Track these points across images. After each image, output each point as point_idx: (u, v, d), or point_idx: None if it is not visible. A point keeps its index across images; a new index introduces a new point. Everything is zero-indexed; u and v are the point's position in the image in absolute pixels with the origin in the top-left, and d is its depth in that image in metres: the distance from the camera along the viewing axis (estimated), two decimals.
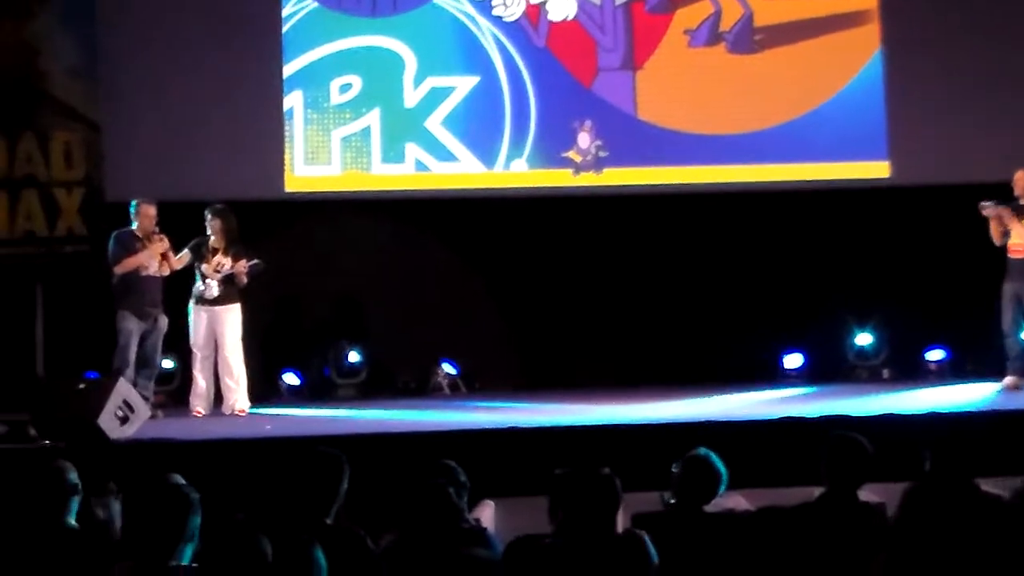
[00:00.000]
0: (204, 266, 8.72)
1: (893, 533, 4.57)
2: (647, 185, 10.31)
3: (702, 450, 4.83)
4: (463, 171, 10.34)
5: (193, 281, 8.80)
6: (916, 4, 10.35)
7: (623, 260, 10.42)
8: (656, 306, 10.34)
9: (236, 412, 8.67)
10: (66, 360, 9.31)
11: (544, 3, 10.40)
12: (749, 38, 10.47)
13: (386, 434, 7.18)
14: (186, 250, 8.78)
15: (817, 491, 4.80)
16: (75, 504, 4.79)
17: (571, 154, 10.35)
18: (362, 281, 10.34)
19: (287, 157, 10.23)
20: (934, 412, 7.54)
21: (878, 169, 10.29)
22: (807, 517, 4.64)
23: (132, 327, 8.53)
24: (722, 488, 4.77)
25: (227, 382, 8.72)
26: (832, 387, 9.37)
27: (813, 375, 10.00)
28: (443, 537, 4.35)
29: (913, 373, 9.89)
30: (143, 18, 10.10)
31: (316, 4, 10.32)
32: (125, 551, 4.18)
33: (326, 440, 6.26)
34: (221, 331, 8.71)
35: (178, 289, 8.84)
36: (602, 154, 10.32)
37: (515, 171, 10.36)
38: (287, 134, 10.22)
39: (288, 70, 10.26)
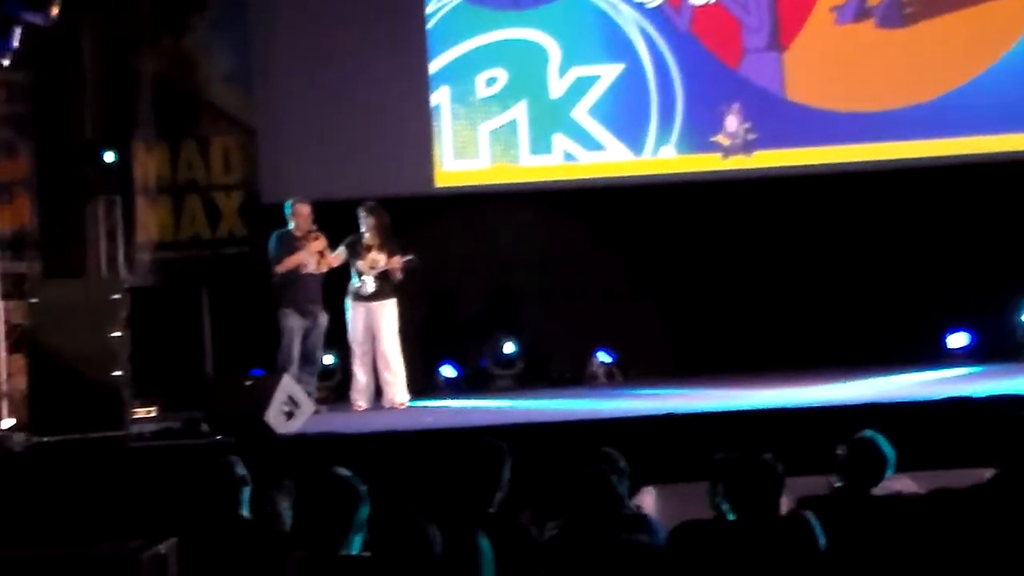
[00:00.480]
0: (359, 263, 8.87)
1: None
2: (798, 166, 10.14)
3: (868, 432, 4.74)
4: (611, 160, 10.32)
5: (350, 278, 8.97)
6: None
7: (775, 243, 10.27)
8: (813, 288, 10.16)
9: (396, 405, 8.81)
10: (233, 359, 9.59)
11: None
12: (899, 12, 10.20)
13: (545, 424, 7.21)
14: (341, 248, 8.95)
15: (988, 473, 4.67)
16: (246, 496, 4.94)
17: (719, 138, 10.24)
18: (515, 273, 10.41)
19: (436, 153, 10.35)
20: None
21: None
22: (979, 499, 4.51)
23: (294, 325, 8.75)
24: (889, 471, 4.67)
25: (386, 376, 8.86)
26: (999, 366, 9.08)
27: (979, 354, 9.71)
28: (606, 524, 4.36)
29: None
30: (291, 23, 10.35)
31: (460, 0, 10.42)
32: (297, 542, 4.30)
33: (486, 431, 6.32)
34: (378, 326, 8.85)
35: (337, 286, 9.03)
36: (751, 136, 10.19)
37: (663, 157, 10.29)
38: (435, 130, 10.35)
39: (434, 66, 10.38)
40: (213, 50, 10.53)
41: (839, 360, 9.47)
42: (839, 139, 10.12)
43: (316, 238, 8.85)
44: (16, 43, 8.10)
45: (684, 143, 10.27)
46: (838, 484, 4.71)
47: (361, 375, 8.89)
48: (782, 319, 10.14)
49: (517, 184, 10.36)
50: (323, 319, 8.88)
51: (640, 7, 10.31)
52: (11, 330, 8.40)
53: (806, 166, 10.11)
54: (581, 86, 10.32)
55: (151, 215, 10.44)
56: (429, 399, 9.36)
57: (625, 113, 10.32)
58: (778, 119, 10.18)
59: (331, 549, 4.01)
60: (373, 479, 4.25)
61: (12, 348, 8.38)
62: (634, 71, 10.29)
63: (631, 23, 10.30)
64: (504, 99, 10.38)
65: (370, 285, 8.85)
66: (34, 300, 7.77)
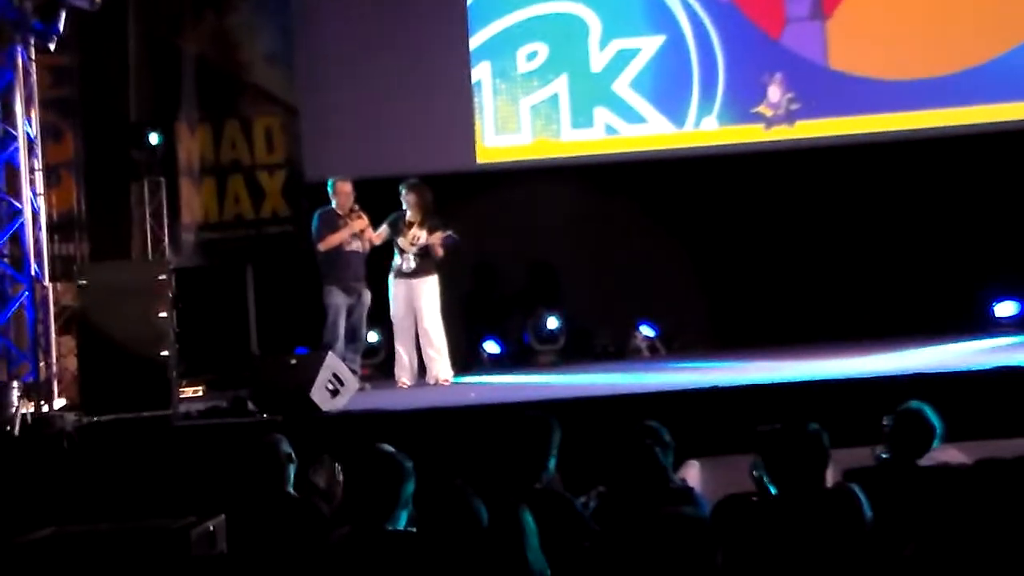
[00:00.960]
0: (401, 240, 8.89)
1: None
2: (841, 135, 10.05)
3: (915, 403, 4.71)
4: (653, 132, 10.28)
5: (392, 255, 8.99)
6: None
7: (818, 213, 10.20)
8: (858, 258, 10.09)
9: (440, 382, 8.83)
10: (278, 337, 9.67)
11: None
12: None
13: (589, 398, 7.21)
14: (384, 225, 8.97)
15: None
16: (292, 473, 4.99)
17: (761, 108, 10.17)
18: (557, 247, 10.41)
19: (477, 128, 10.35)
20: None
21: None
22: None
23: (339, 302, 8.79)
24: (936, 441, 4.65)
25: (429, 353, 8.88)
26: None
27: None
28: (651, 497, 4.36)
29: None
30: (333, 3, 10.37)
31: None
32: (343, 517, 4.34)
33: (530, 406, 6.34)
34: (419, 303, 8.86)
35: (380, 264, 9.06)
36: (794, 106, 10.11)
37: (705, 129, 10.24)
38: (476, 106, 10.34)
39: (474, 42, 10.37)
40: (255, 30, 10.57)
41: (885, 331, 9.40)
42: (883, 107, 10.02)
43: (358, 216, 8.88)
44: (61, 28, 8.17)
45: (726, 114, 10.20)
46: (884, 455, 4.69)
47: (404, 352, 8.92)
48: (827, 290, 10.08)
49: (558, 159, 10.34)
50: (367, 297, 8.92)
51: None
52: (61, 311, 8.50)
53: (849, 135, 10.03)
54: (622, 59, 10.27)
55: (195, 196, 10.52)
56: (473, 375, 9.38)
57: (666, 85, 10.27)
58: (821, 88, 10.10)
59: (376, 525, 4.04)
60: (418, 455, 4.28)
61: (62, 329, 8.48)
62: (675, 43, 10.23)
63: None
64: (545, 73, 10.36)
65: (411, 262, 8.86)
66: (82, 282, 7.85)
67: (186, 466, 6.79)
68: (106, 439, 7.16)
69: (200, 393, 9.13)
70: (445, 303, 9.02)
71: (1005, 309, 9.78)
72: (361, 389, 8.23)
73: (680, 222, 10.33)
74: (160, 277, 7.76)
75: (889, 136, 10.00)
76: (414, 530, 4.02)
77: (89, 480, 6.75)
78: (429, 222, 8.90)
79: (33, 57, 8.24)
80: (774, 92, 10.15)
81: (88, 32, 9.46)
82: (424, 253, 8.87)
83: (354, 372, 8.34)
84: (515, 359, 10.15)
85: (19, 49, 8.11)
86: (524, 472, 4.53)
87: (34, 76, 8.27)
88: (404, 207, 8.94)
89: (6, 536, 5.03)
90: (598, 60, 10.32)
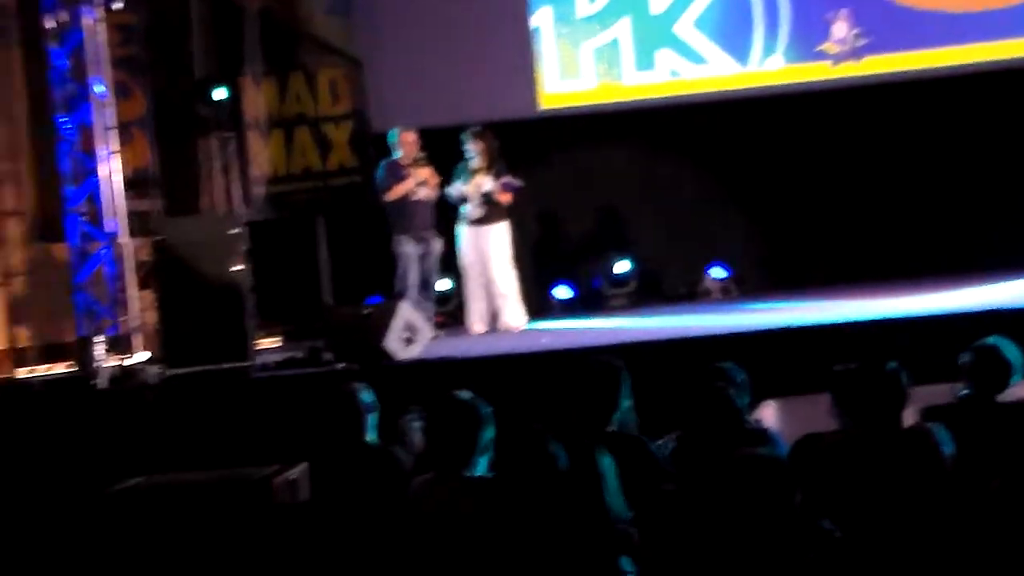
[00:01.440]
0: (466, 187, 8.90)
1: None
2: (910, 70, 9.88)
3: (992, 339, 4.67)
4: (717, 74, 10.16)
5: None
6: None
7: (889, 150, 10.05)
8: (933, 194, 9.94)
9: (512, 328, 8.87)
10: (350, 287, 9.75)
11: None
12: None
13: (662, 341, 7.23)
14: (457, 182, 8.94)
15: None
16: (372, 421, 5.05)
17: (828, 45, 10.02)
18: (624, 192, 10.37)
19: (539, 75, 10.31)
20: None
21: None
22: None
23: (410, 251, 8.84)
24: (1016, 377, 4.61)
25: (499, 300, 8.91)
26: None
27: None
28: (726, 438, 4.38)
29: None
30: None
31: None
32: (424, 465, 4.40)
33: (602, 351, 6.36)
34: (488, 250, 8.87)
35: (452, 211, 9.09)
36: (860, 42, 9.95)
37: (770, 69, 10.10)
38: (537, 52, 10.29)
39: None
40: None
41: (960, 266, 9.26)
42: (952, 40, 9.82)
43: (423, 166, 8.90)
44: None
45: (791, 52, 10.06)
46: (964, 392, 4.67)
47: (475, 299, 8.95)
48: (902, 227, 9.95)
49: (623, 103, 10.27)
50: (437, 245, 8.96)
51: None
52: (139, 267, 8.65)
53: (919, 70, 9.85)
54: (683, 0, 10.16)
55: (263, 149, 10.60)
56: (544, 320, 9.41)
57: (730, 24, 10.14)
58: (888, 23, 9.91)
59: (456, 471, 4.10)
60: (493, 402, 4.33)
61: (142, 284, 8.63)
62: None
63: None
64: (606, 17, 10.27)
65: (479, 209, 8.88)
66: (158, 237, 7.98)
67: (266, 416, 6.91)
68: (188, 391, 7.30)
69: (277, 344, 9.25)
70: (515, 249, 9.03)
71: None
72: (434, 337, 8.29)
73: (748, 163, 10.23)
74: (233, 231, 7.86)
75: (959, 70, 9.80)
76: (494, 475, 4.08)
77: (173, 431, 6.91)
78: (495, 168, 8.90)
79: (101, 17, 8.33)
80: (840, 28, 9.99)
81: None
82: (490, 200, 8.87)
83: (427, 320, 8.40)
84: (586, 304, 10.14)
85: (86, 10, 8.21)
86: (595, 417, 4.57)
87: (102, 35, 8.37)
88: (469, 155, 8.94)
89: (97, 487, 5.17)
90: (659, 2, 10.21)
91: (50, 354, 8.69)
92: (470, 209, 8.89)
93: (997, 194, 9.83)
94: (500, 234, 8.90)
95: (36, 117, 9.21)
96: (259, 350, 8.27)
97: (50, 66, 8.19)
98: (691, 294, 10.09)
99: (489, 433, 4.16)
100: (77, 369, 7.66)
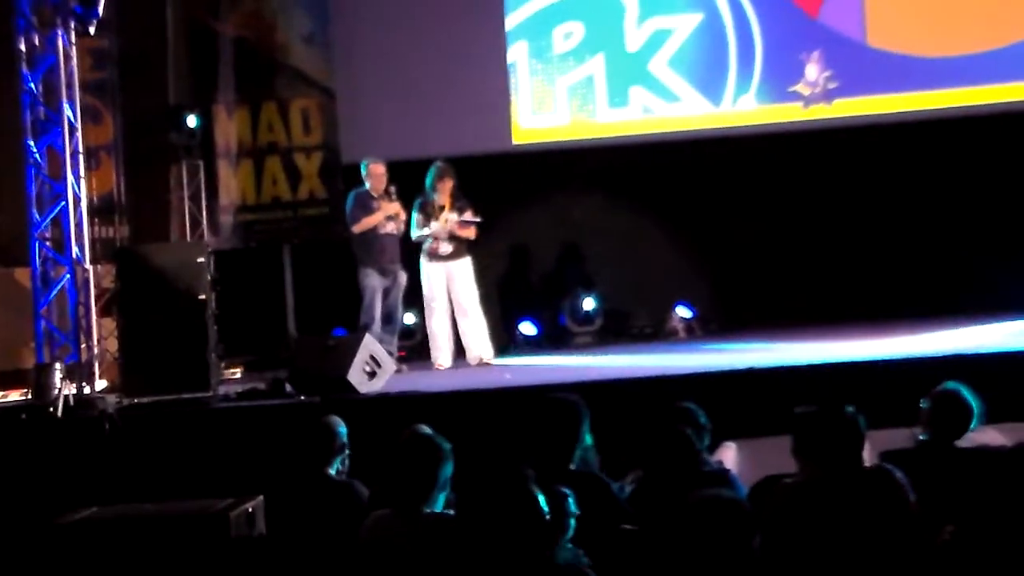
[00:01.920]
0: (432, 223, 8.88)
1: None
2: (880, 114, 9.96)
3: (952, 384, 4.67)
4: (690, 112, 10.23)
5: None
6: None
7: (857, 193, 10.11)
8: (896, 238, 10.00)
9: (483, 362, 8.83)
10: (315, 318, 9.70)
11: None
12: None
13: (626, 380, 7.21)
14: (415, 213, 8.91)
15: None
16: (341, 458, 5.03)
17: (799, 87, 10.09)
18: (593, 228, 10.39)
19: (513, 109, 10.33)
20: None
21: None
22: None
23: (375, 284, 8.82)
24: (974, 423, 4.61)
25: (469, 334, 8.89)
26: None
27: None
28: (685, 479, 4.36)
29: None
30: None
31: None
32: (383, 499, 4.36)
33: (565, 388, 6.34)
34: (455, 285, 8.86)
35: (414, 245, 9.06)
36: (832, 85, 10.03)
37: (743, 109, 10.17)
38: (512, 86, 10.32)
39: (510, 22, 10.35)
40: (292, 12, 10.58)
41: (923, 311, 9.32)
42: (922, 85, 9.92)
43: (392, 199, 8.87)
44: (101, 11, 8.23)
45: (763, 93, 10.13)
46: (922, 437, 4.66)
47: (441, 334, 8.92)
48: (865, 271, 10.01)
49: (595, 139, 10.31)
50: (402, 278, 8.93)
51: None
52: (101, 294, 8.58)
53: (888, 114, 9.93)
54: (659, 38, 10.22)
55: (233, 178, 10.56)
56: (509, 356, 9.38)
57: (704, 64, 10.21)
58: (860, 66, 10.00)
59: (414, 507, 4.05)
60: (453, 438, 4.29)
61: (102, 312, 8.55)
62: (712, 21, 10.16)
63: None
64: (581, 53, 10.32)
65: (445, 245, 8.86)
66: (122, 264, 7.91)
67: (225, 448, 6.84)
68: (146, 420, 7.22)
69: (238, 375, 9.18)
70: (481, 285, 9.02)
71: None
72: (398, 371, 8.25)
73: (717, 202, 10.27)
74: (199, 259, 7.80)
75: (929, 114, 9.89)
76: (452, 513, 4.03)
77: (129, 461, 6.83)
78: (458, 204, 8.89)
79: (74, 41, 8.30)
80: (812, 70, 10.07)
81: (127, 15, 9.52)
82: (456, 236, 8.86)
83: (391, 354, 8.36)
84: (552, 340, 10.14)
85: (60, 33, 8.17)
86: (555, 454, 4.54)
87: (74, 59, 8.33)
88: (431, 190, 8.89)
89: (48, 516, 5.09)
90: (634, 39, 10.27)
91: (7, 380, 8.59)
92: (437, 245, 8.87)
93: (962, 239, 9.89)
94: (468, 268, 8.91)
95: (2, 140, 9.14)
96: (221, 380, 8.19)
97: (21, 89, 8.13)
98: (656, 333, 10.09)
99: (448, 469, 4.13)
100: (33, 397, 7.56)
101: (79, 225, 8.19)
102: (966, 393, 4.65)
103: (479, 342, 8.89)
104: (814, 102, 10.08)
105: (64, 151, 8.11)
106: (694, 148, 10.21)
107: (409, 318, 9.57)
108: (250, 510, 5.01)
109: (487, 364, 8.83)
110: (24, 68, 8.15)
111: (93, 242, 8.68)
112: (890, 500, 3.97)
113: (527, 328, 10.19)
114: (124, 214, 9.69)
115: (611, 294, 10.27)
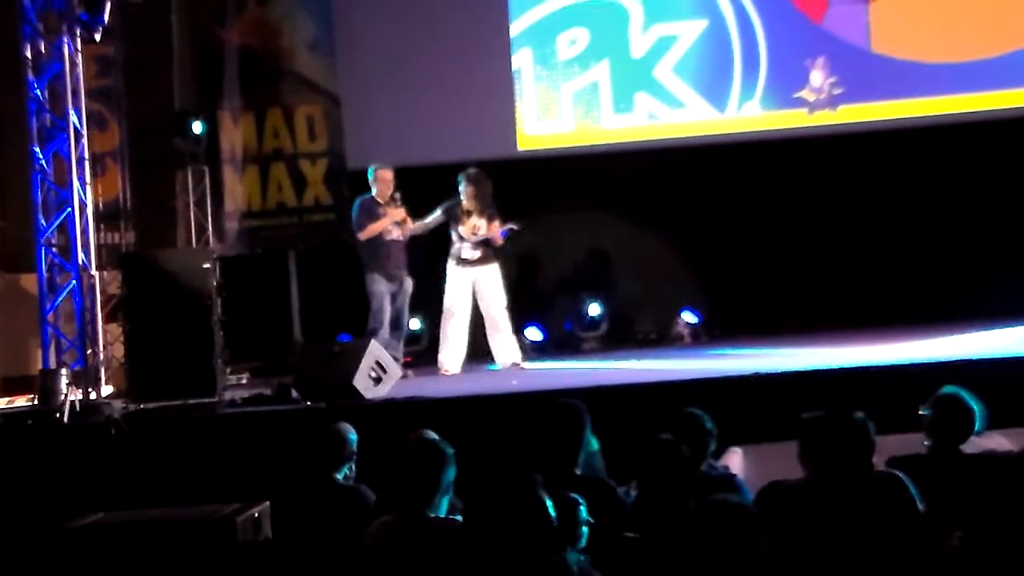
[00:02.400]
0: (460, 228, 8.88)
1: None
2: (885, 120, 9.96)
3: (950, 388, 4.66)
4: (695, 118, 10.23)
5: (449, 243, 8.93)
6: None
7: (862, 198, 10.12)
8: (902, 244, 10.01)
9: (514, 363, 8.82)
10: (320, 324, 9.70)
11: None
12: None
13: (631, 385, 7.20)
14: (438, 212, 8.95)
15: None
16: (350, 462, 5.04)
17: (804, 93, 10.09)
18: (598, 234, 10.40)
19: (518, 115, 10.34)
20: None
21: None
22: None
23: (383, 289, 8.82)
24: (977, 425, 4.60)
25: (498, 339, 8.87)
26: None
27: None
28: (690, 485, 4.35)
29: None
30: None
31: None
32: (387, 505, 4.36)
33: (570, 393, 6.34)
34: (482, 290, 8.86)
35: (425, 250, 9.07)
36: (836, 91, 10.03)
37: (747, 115, 10.18)
38: (517, 92, 10.34)
39: (515, 29, 10.36)
40: (296, 19, 10.60)
41: (930, 316, 9.31)
42: (927, 91, 9.93)
43: (398, 205, 8.88)
44: (107, 18, 8.25)
45: (768, 99, 10.14)
46: (927, 443, 4.65)
47: (454, 340, 8.90)
48: (870, 276, 10.00)
49: (600, 145, 10.32)
50: (409, 284, 8.94)
51: None
52: (107, 300, 8.59)
53: (893, 120, 9.94)
54: (663, 44, 10.23)
55: (238, 184, 10.57)
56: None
57: (708, 70, 10.22)
58: (864, 72, 10.01)
59: (418, 511, 4.05)
60: (459, 443, 4.30)
61: (108, 318, 8.56)
62: (717, 27, 10.18)
63: None
64: (586, 59, 10.33)
65: (473, 251, 8.86)
66: (128, 270, 7.93)
67: (231, 453, 6.85)
68: (152, 426, 7.23)
69: (244, 380, 9.19)
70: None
71: None
72: (403, 376, 8.25)
73: (722, 208, 10.28)
74: (204, 265, 7.81)
75: (933, 120, 9.90)
76: (456, 518, 4.03)
77: (136, 466, 6.83)
78: (487, 212, 8.89)
79: (79, 48, 8.32)
80: (816, 76, 10.07)
81: (132, 22, 9.54)
82: (484, 242, 8.86)
83: (396, 359, 8.37)
84: (557, 346, 10.14)
85: (66, 40, 8.20)
86: (560, 459, 4.54)
87: (80, 66, 8.35)
88: (461, 196, 8.90)
89: (55, 521, 5.10)
90: (639, 46, 10.28)
91: (14, 386, 8.61)
92: (464, 250, 8.86)
93: (968, 244, 9.89)
94: (496, 275, 8.91)
95: (8, 146, 9.16)
96: (226, 386, 8.20)
97: (27, 95, 8.15)
98: (662, 338, 10.09)
99: (451, 473, 4.14)
100: (39, 402, 7.57)
101: (85, 231, 8.20)
102: (966, 396, 4.64)
103: (508, 347, 8.88)
104: (819, 108, 10.09)
105: (70, 158, 8.12)
106: (699, 154, 10.21)
107: (414, 323, 9.57)
108: (256, 515, 5.02)
109: (519, 367, 8.82)
110: (30, 75, 8.16)
111: (99, 248, 8.69)
112: (898, 505, 3.97)
113: (533, 334, 10.19)
114: (130, 220, 9.71)
115: (616, 299, 10.28)
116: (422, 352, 9.64)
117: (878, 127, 9.97)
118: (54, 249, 8.22)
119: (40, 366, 8.01)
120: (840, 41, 10.04)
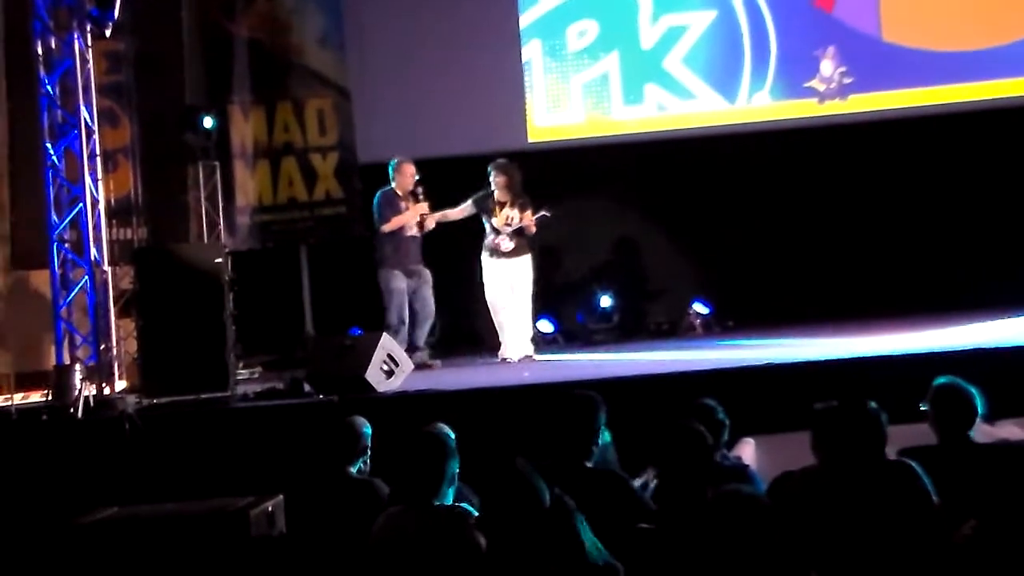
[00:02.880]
0: (494, 220, 8.85)
1: None
2: (895, 109, 9.94)
3: (944, 379, 4.65)
4: (705, 109, 10.22)
5: (483, 234, 8.91)
6: None
7: (873, 188, 10.09)
8: (913, 233, 9.98)
9: (527, 356, 8.82)
10: (332, 318, 9.70)
11: None
12: None
13: (643, 376, 7.20)
14: (469, 203, 8.91)
15: None
16: (364, 456, 5.06)
17: (814, 83, 10.07)
18: (609, 226, 10.39)
19: (528, 107, 10.34)
20: None
21: None
22: None
23: (402, 285, 8.80)
24: (980, 411, 4.58)
25: (514, 329, 8.87)
26: None
27: None
28: (704, 476, 4.35)
29: None
30: None
31: None
32: (399, 498, 4.37)
33: (582, 385, 6.34)
34: (514, 281, 8.83)
35: (436, 245, 9.07)
36: (847, 80, 10.01)
37: (757, 105, 10.16)
38: (527, 85, 10.33)
39: (524, 21, 10.36)
40: (306, 13, 10.61)
41: (942, 306, 9.28)
42: (937, 80, 9.90)
43: (420, 200, 8.86)
44: (117, 14, 8.26)
45: (778, 89, 10.12)
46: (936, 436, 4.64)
47: (510, 328, 8.86)
48: (883, 266, 9.98)
49: (610, 136, 10.31)
50: (428, 275, 8.91)
51: None
52: (120, 295, 8.61)
53: (903, 108, 9.91)
54: (673, 35, 10.22)
55: (249, 179, 10.59)
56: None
57: (718, 61, 10.20)
58: (874, 62, 9.99)
59: (425, 501, 4.09)
60: (472, 435, 4.31)
61: (121, 313, 8.59)
62: (726, 17, 10.15)
63: None
64: (595, 51, 10.33)
65: (508, 242, 8.84)
66: (140, 265, 7.95)
67: (244, 447, 6.87)
68: (166, 421, 7.25)
69: (257, 375, 9.21)
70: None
71: None
72: (431, 367, 8.37)
73: (733, 198, 10.27)
74: (216, 260, 7.82)
75: (945, 109, 9.87)
76: (463, 506, 4.07)
77: (149, 461, 6.85)
78: (519, 201, 8.87)
79: (90, 44, 8.33)
80: (827, 66, 10.05)
81: (142, 18, 9.56)
82: (518, 232, 8.83)
83: (422, 351, 8.53)
84: (569, 338, 10.13)
85: (76, 36, 8.21)
86: (573, 450, 4.54)
87: (91, 62, 8.36)
88: (492, 187, 8.85)
89: (69, 516, 5.11)
90: (648, 37, 10.27)
91: (27, 382, 8.64)
92: (499, 241, 8.84)
93: (982, 233, 9.86)
94: (528, 266, 8.88)
95: (19, 143, 9.19)
96: (239, 380, 8.22)
97: (38, 92, 8.17)
98: (673, 329, 10.08)
99: (455, 464, 4.19)
100: (54, 398, 7.60)
101: (97, 227, 8.23)
102: (961, 384, 4.62)
103: (522, 338, 8.87)
104: (829, 98, 10.06)
105: (81, 154, 8.14)
106: (709, 145, 10.20)
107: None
108: (270, 509, 5.02)
109: (531, 359, 8.83)
110: (41, 71, 8.19)
111: (111, 244, 8.72)
112: (911, 494, 3.96)
113: (544, 326, 10.17)
114: (142, 216, 9.74)
115: (628, 291, 10.26)
116: (442, 341, 9.57)
117: (889, 116, 9.95)
118: (67, 245, 8.24)
119: (54, 362, 8.04)
120: (850, 30, 10.02)
